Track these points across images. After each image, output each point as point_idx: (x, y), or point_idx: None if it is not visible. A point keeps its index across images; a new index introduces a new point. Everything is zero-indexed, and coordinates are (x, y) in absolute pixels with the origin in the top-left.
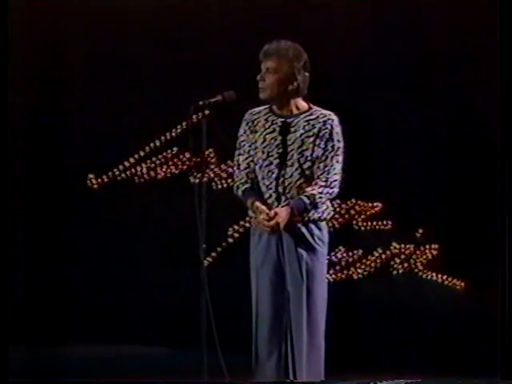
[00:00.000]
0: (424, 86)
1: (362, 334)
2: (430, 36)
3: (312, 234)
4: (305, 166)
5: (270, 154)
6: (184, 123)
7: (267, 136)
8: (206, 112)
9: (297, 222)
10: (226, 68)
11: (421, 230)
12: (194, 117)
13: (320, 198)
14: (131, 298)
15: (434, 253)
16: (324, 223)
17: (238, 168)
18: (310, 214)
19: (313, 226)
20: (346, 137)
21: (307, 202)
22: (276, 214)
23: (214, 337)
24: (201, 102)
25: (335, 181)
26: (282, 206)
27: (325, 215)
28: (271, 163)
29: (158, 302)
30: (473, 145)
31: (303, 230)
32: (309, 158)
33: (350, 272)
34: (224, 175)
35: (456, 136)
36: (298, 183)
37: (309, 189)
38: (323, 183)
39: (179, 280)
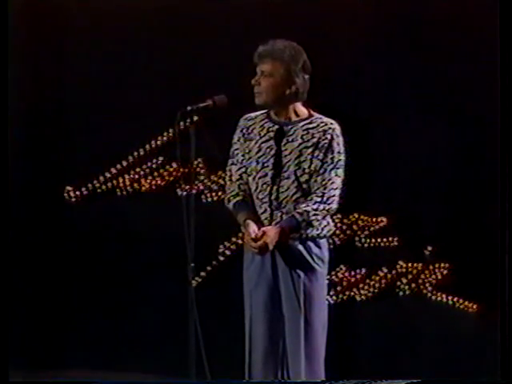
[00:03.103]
0: (430, 95)
1: (364, 359)
2: (433, 40)
3: (310, 253)
4: (302, 179)
5: (265, 165)
6: (170, 130)
7: (263, 145)
8: (195, 118)
9: (291, 241)
10: (216, 70)
11: (429, 248)
12: (182, 123)
13: (315, 215)
14: (114, 320)
15: (444, 272)
16: (324, 240)
17: (230, 179)
18: (308, 231)
19: (311, 244)
20: (348, 147)
21: (300, 219)
22: (264, 233)
23: (203, 362)
24: (189, 108)
25: (333, 196)
26: (275, 224)
27: (324, 232)
28: (266, 174)
29: (143, 323)
30: (483, 155)
31: (300, 247)
32: (306, 171)
33: (353, 293)
34: (214, 187)
35: (467, 148)
36: (295, 197)
37: (303, 205)
38: (319, 199)
39: (165, 302)
